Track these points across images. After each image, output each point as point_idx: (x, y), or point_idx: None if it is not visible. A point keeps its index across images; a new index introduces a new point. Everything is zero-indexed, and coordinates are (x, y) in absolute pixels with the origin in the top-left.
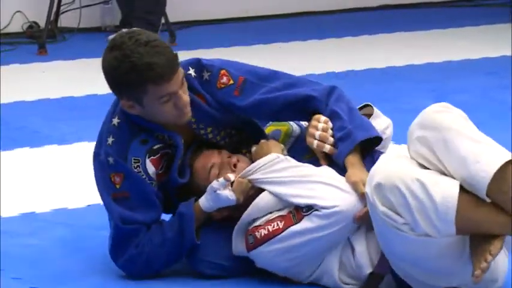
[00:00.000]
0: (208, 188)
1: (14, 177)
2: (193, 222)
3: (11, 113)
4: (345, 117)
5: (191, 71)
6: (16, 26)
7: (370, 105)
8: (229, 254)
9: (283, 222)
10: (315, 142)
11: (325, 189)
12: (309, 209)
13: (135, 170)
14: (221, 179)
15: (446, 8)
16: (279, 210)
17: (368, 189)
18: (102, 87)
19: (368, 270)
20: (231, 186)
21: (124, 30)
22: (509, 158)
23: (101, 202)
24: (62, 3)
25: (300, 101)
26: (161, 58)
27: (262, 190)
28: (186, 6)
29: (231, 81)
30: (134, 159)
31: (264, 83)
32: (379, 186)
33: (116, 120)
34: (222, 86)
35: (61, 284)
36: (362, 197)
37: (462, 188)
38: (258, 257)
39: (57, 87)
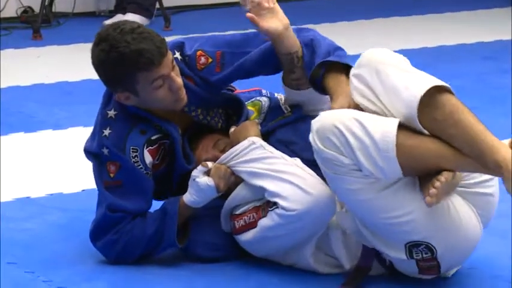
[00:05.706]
0: (190, 179)
1: (9, 162)
2: (175, 221)
3: (5, 98)
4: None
5: (177, 54)
6: (11, 11)
7: None
8: (220, 232)
9: (257, 213)
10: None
11: (291, 190)
12: (274, 204)
13: (133, 159)
14: (199, 167)
15: None
16: (257, 200)
17: (311, 137)
18: None
19: (344, 258)
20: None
21: (107, 22)
22: (440, 84)
23: (96, 187)
24: None
25: (268, 53)
26: (149, 43)
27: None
28: None
29: (210, 60)
30: (132, 148)
31: (241, 50)
32: (319, 130)
33: (112, 113)
34: (203, 66)
35: (56, 269)
36: None
37: (403, 126)
38: (239, 242)
39: (52, 72)
